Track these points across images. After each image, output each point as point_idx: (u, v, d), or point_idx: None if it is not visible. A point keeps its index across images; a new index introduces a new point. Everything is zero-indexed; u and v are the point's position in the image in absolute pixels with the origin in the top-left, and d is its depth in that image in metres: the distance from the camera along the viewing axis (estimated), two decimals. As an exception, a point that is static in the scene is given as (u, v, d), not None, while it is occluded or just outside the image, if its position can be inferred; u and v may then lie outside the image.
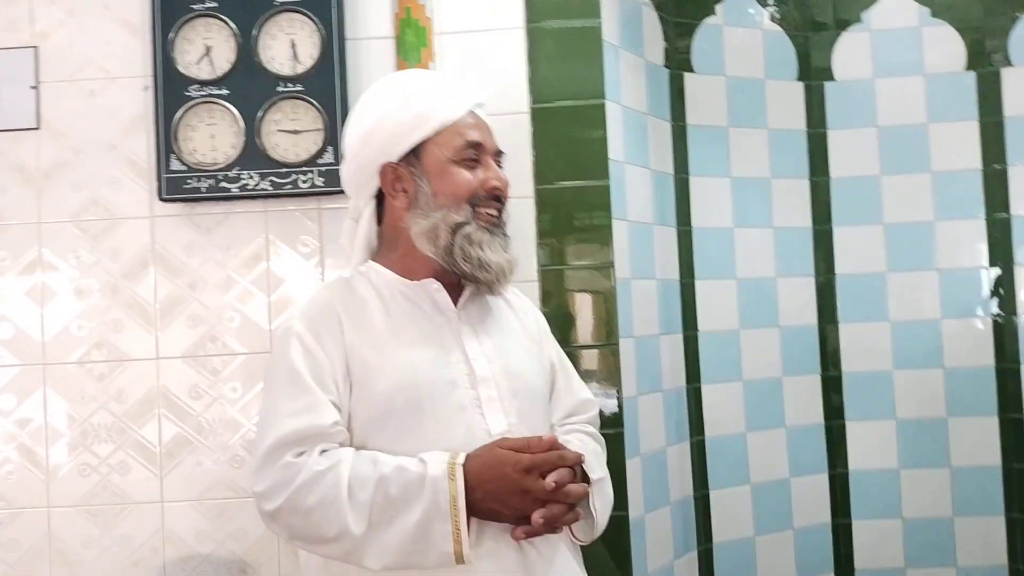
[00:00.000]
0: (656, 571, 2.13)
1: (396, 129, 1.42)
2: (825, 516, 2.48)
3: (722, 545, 2.37)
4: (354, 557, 1.28)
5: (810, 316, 2.51)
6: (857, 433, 2.50)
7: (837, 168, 2.52)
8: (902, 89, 2.50)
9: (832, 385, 2.51)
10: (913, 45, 2.50)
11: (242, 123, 1.90)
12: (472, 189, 1.41)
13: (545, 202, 1.95)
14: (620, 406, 1.95)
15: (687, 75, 2.41)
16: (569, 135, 1.96)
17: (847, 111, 2.51)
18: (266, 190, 1.90)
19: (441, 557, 1.27)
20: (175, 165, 1.90)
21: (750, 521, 2.41)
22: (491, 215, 1.42)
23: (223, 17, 1.92)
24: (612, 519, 1.47)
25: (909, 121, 2.50)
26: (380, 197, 1.49)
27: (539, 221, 1.95)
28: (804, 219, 2.52)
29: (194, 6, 1.92)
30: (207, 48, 1.93)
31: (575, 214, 1.97)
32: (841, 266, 2.51)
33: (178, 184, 1.90)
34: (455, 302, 1.44)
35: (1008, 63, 2.44)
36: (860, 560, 2.48)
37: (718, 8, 2.44)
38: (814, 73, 2.52)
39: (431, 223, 1.40)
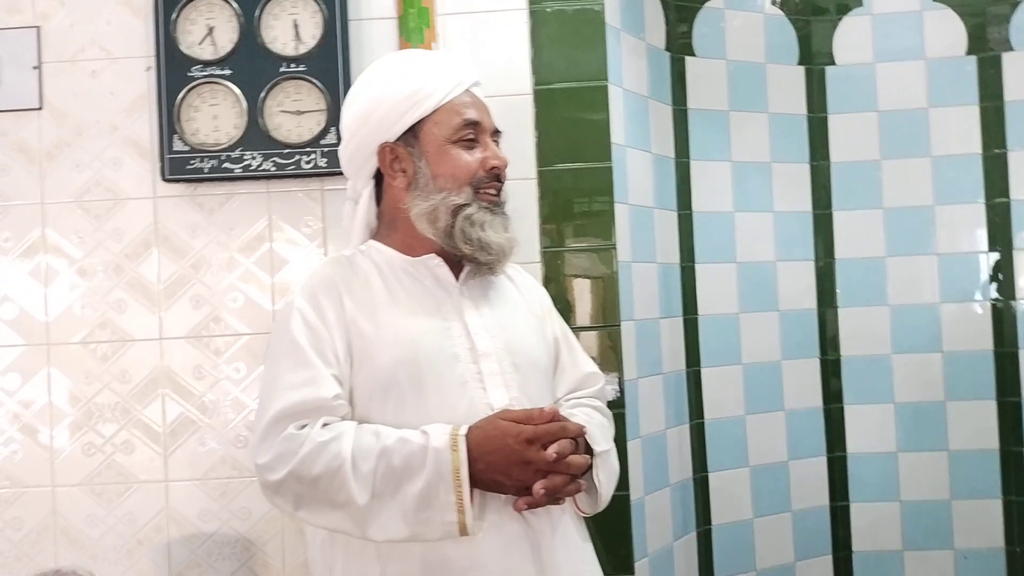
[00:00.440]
0: (655, 552, 2.14)
1: (393, 108, 1.42)
2: (823, 499, 2.50)
3: (721, 527, 2.39)
4: (357, 528, 1.29)
5: (810, 300, 2.52)
6: (856, 417, 2.51)
7: (837, 152, 2.52)
8: (903, 74, 2.50)
9: (831, 369, 2.52)
10: (914, 29, 2.50)
11: (245, 104, 1.90)
12: (473, 172, 1.41)
13: (547, 184, 1.96)
14: (621, 388, 1.96)
15: (688, 59, 2.41)
16: (571, 117, 1.96)
17: (848, 95, 2.51)
18: (269, 171, 1.90)
19: (445, 527, 1.28)
20: (178, 146, 1.90)
21: (749, 503, 2.42)
22: (492, 195, 1.43)
23: (226, -3, 1.92)
24: (613, 500, 1.47)
25: (909, 106, 2.50)
26: (378, 178, 1.49)
27: (541, 203, 1.96)
28: (804, 203, 2.52)
29: (197, -13, 1.92)
30: (209, 28, 1.92)
31: (577, 197, 1.97)
32: (841, 250, 2.52)
33: (181, 165, 1.91)
34: (456, 277, 1.45)
35: (1009, 48, 2.44)
36: (858, 543, 2.50)
37: (719, -8, 2.44)
38: (815, 57, 2.52)
39: (431, 205, 1.40)
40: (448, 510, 1.27)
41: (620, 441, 1.90)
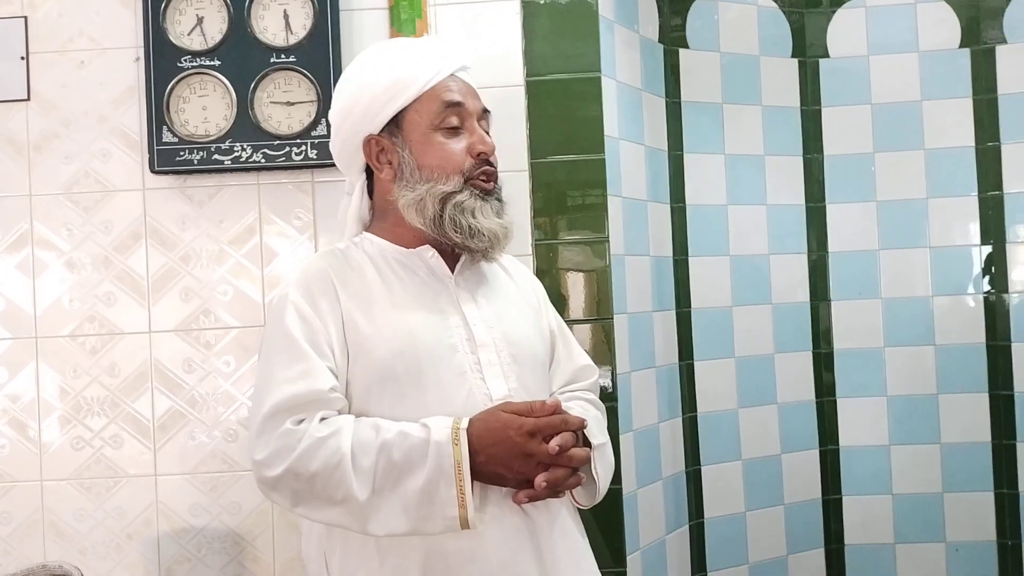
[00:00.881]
0: (648, 546, 2.14)
1: (375, 99, 1.41)
2: (816, 492, 2.50)
3: (713, 520, 2.39)
4: (358, 524, 1.28)
5: (803, 293, 2.52)
6: (848, 410, 2.51)
7: (831, 145, 2.52)
8: (896, 66, 2.49)
9: (824, 362, 2.52)
10: (908, 22, 2.49)
11: (234, 94, 1.88)
12: (460, 161, 1.40)
13: (539, 177, 1.95)
14: (613, 382, 1.95)
15: (682, 51, 2.40)
16: (564, 109, 1.95)
17: (841, 88, 2.51)
18: (259, 162, 1.89)
19: (446, 522, 1.27)
20: (167, 137, 1.89)
21: (741, 496, 2.42)
22: (483, 181, 1.41)
23: (215, -13, 1.90)
24: (607, 493, 1.47)
25: (903, 98, 2.49)
26: (370, 170, 1.48)
27: (533, 196, 1.95)
28: (797, 196, 2.52)
29: (186, -24, 1.90)
30: (199, 18, 1.91)
31: (569, 189, 1.96)
32: (834, 243, 2.52)
33: (170, 156, 1.89)
34: (452, 269, 1.44)
35: (1003, 40, 2.44)
36: (850, 536, 2.50)
37: (713, -16, 2.43)
38: (808, 50, 2.51)
39: (417, 195, 1.39)
40: (450, 504, 1.26)
41: (613, 434, 1.89)
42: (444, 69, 1.42)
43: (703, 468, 2.39)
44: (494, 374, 1.37)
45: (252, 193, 1.94)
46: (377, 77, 1.42)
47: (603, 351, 1.95)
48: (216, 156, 1.89)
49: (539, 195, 1.95)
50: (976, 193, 2.46)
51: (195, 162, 1.89)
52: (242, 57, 1.89)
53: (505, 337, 1.41)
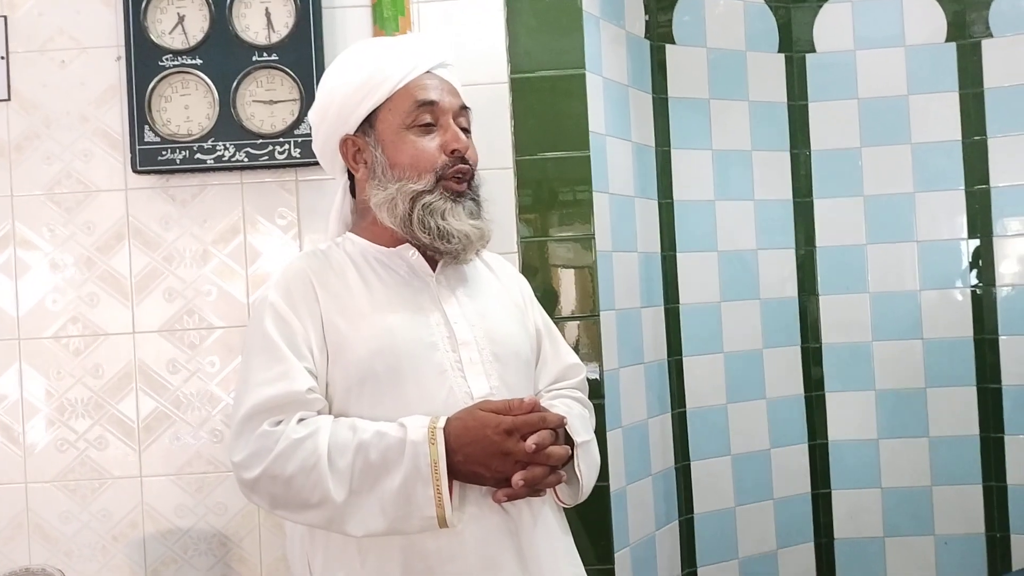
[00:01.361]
0: (638, 542, 2.14)
1: (348, 99, 1.40)
2: (805, 486, 2.50)
3: (703, 515, 2.39)
4: (336, 524, 1.28)
5: (791, 288, 2.52)
6: (837, 404, 2.52)
7: (818, 140, 2.52)
8: (883, 61, 2.49)
9: (812, 357, 2.52)
10: (894, 17, 2.49)
11: (216, 93, 1.87)
12: (433, 159, 1.38)
13: (525, 174, 1.94)
14: (601, 378, 1.95)
15: (668, 47, 2.40)
16: (549, 106, 1.95)
17: (828, 83, 2.51)
18: (242, 161, 1.87)
19: (424, 521, 1.27)
20: (149, 136, 1.87)
21: (731, 492, 2.42)
22: (455, 181, 1.39)
23: (196, -15, 1.89)
24: (593, 490, 1.46)
25: (889, 93, 2.49)
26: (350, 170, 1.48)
27: (519, 193, 1.94)
28: (785, 191, 2.52)
29: (166, -26, 1.89)
30: (180, 17, 1.89)
31: (556, 186, 1.96)
32: (822, 238, 2.52)
33: (152, 156, 1.88)
34: (434, 267, 1.43)
35: (989, 34, 2.44)
36: (840, 530, 2.51)
37: (699, -21, 2.42)
38: (795, 45, 2.51)
39: (388, 194, 1.38)
40: (427, 504, 1.26)
41: (600, 431, 1.89)
42: (419, 66, 1.41)
43: (692, 464, 2.39)
44: (475, 372, 1.37)
45: (235, 192, 1.93)
46: (351, 77, 1.41)
47: (591, 348, 1.95)
48: (199, 155, 1.88)
49: (525, 192, 1.94)
50: (963, 187, 2.46)
51: (178, 162, 1.88)
52: (224, 56, 1.87)
53: (487, 335, 1.40)
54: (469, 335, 1.39)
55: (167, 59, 1.88)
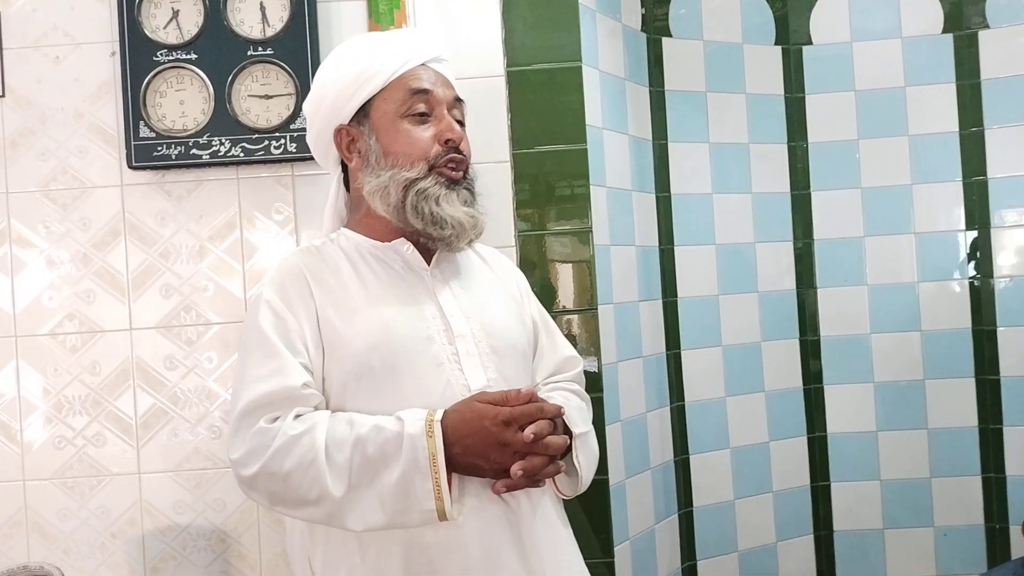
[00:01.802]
0: (637, 535, 2.14)
1: (343, 89, 1.41)
2: (804, 479, 2.51)
3: (702, 509, 2.39)
4: (335, 520, 1.27)
5: (789, 281, 2.52)
6: (835, 396, 2.52)
7: (815, 133, 2.51)
8: (880, 53, 2.49)
9: (811, 349, 2.52)
10: (890, 8, 2.49)
11: (211, 88, 1.86)
12: (426, 148, 1.38)
13: (522, 167, 1.93)
14: (600, 372, 1.95)
15: (665, 40, 2.39)
16: (545, 99, 1.94)
17: (825, 75, 2.50)
18: (238, 156, 1.87)
19: (423, 515, 1.26)
20: (144, 132, 1.87)
21: (730, 485, 2.42)
22: (450, 170, 1.39)
23: (190, -20, 1.88)
24: (592, 484, 1.46)
25: (886, 85, 2.49)
26: (346, 164, 1.48)
27: (516, 187, 1.93)
28: (782, 184, 2.51)
29: (160, -31, 1.88)
30: (174, 12, 1.88)
31: (553, 180, 1.95)
32: (819, 231, 2.52)
33: (148, 151, 1.87)
34: (428, 261, 1.43)
35: (985, 25, 2.43)
36: (839, 522, 2.51)
37: (695, -29, 2.42)
38: (792, 37, 2.51)
39: (381, 182, 1.38)
40: (426, 497, 1.26)
41: (599, 425, 1.89)
42: (414, 58, 1.41)
43: (691, 457, 2.39)
44: (472, 365, 1.36)
45: (231, 188, 1.92)
46: (346, 68, 1.42)
47: (589, 342, 1.95)
48: (194, 151, 1.87)
49: (522, 186, 1.94)
50: (960, 178, 2.46)
51: (173, 157, 1.87)
52: (219, 50, 1.87)
53: (484, 328, 1.40)
54: (465, 327, 1.39)
55: (162, 54, 1.87)
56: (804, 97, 2.51)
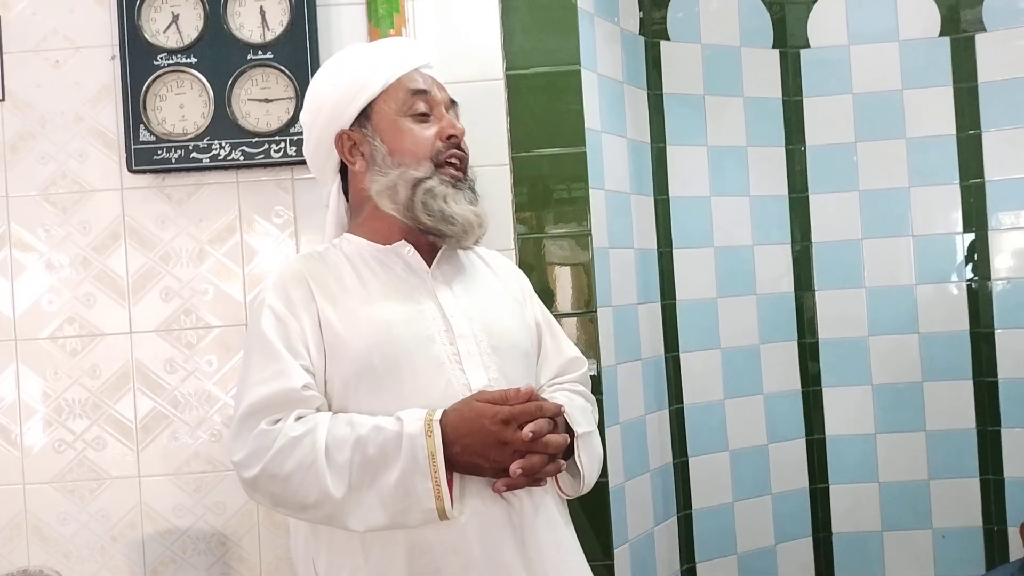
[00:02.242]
0: (636, 538, 2.14)
1: (342, 96, 1.43)
2: (803, 481, 2.51)
3: (701, 511, 2.39)
4: (337, 520, 1.28)
5: (787, 284, 2.52)
6: (834, 399, 2.52)
7: (813, 136, 2.52)
8: (877, 56, 2.50)
9: (809, 352, 2.53)
10: (888, 12, 2.50)
11: (211, 92, 1.87)
12: (430, 145, 1.40)
13: (521, 170, 1.94)
14: (599, 375, 1.95)
15: (663, 43, 2.40)
16: (544, 103, 1.95)
17: (822, 78, 2.51)
18: (238, 160, 1.87)
19: (424, 514, 1.27)
20: (144, 136, 1.87)
21: (729, 487, 2.43)
22: (454, 170, 1.41)
23: (190, -16, 1.88)
24: (594, 486, 1.46)
25: (884, 88, 2.50)
26: (344, 172, 1.50)
27: (515, 190, 1.94)
28: (780, 187, 2.52)
29: (160, -27, 1.88)
30: (174, 16, 1.89)
31: (552, 183, 1.96)
32: (817, 234, 2.53)
33: (148, 155, 1.87)
34: (429, 264, 1.44)
35: (982, 29, 2.44)
36: (837, 524, 2.51)
37: (693, -25, 2.43)
38: (789, 40, 2.51)
39: (389, 180, 1.40)
40: (426, 497, 1.26)
41: (599, 428, 1.89)
42: (408, 64, 1.45)
43: (690, 459, 2.39)
44: (473, 365, 1.37)
45: (231, 191, 1.93)
46: (343, 75, 1.45)
47: (588, 344, 1.95)
48: (194, 154, 1.87)
49: (521, 189, 1.94)
50: (958, 181, 2.47)
51: (173, 161, 1.87)
52: (219, 54, 1.87)
53: (485, 328, 1.41)
54: (466, 328, 1.39)
55: (162, 58, 1.88)
56: (802, 100, 2.52)
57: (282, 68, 1.87)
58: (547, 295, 1.93)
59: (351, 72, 1.44)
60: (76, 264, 1.92)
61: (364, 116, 1.43)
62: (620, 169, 2.20)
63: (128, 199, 1.93)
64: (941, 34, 2.47)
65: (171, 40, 1.89)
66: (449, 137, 1.41)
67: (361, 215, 1.47)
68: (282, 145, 1.87)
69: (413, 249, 1.43)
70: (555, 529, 1.39)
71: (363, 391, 1.33)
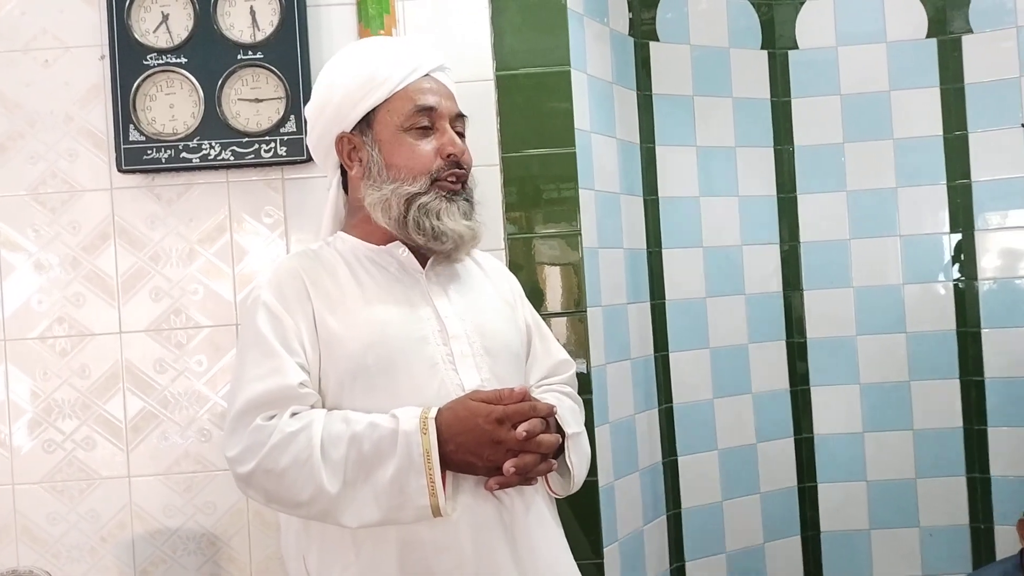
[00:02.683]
0: (626, 537, 2.15)
1: (348, 97, 1.42)
2: (791, 480, 2.52)
3: (690, 510, 2.40)
4: (331, 516, 1.28)
5: (775, 283, 2.54)
6: (822, 398, 2.54)
7: (801, 136, 2.54)
8: (864, 57, 2.51)
9: (797, 351, 2.54)
10: (875, 13, 2.52)
11: (201, 92, 1.87)
12: (429, 163, 1.40)
13: (511, 171, 1.95)
14: (589, 374, 1.96)
15: (652, 44, 2.41)
16: (534, 103, 1.95)
17: (810, 79, 2.53)
18: (228, 160, 1.87)
19: (418, 511, 1.28)
20: (134, 136, 1.87)
21: (718, 486, 2.44)
22: (451, 182, 1.41)
23: (180, -16, 1.88)
24: (582, 485, 1.47)
25: (871, 89, 2.52)
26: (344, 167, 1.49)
27: (505, 190, 1.94)
28: (769, 187, 2.53)
29: (150, -27, 1.88)
30: (164, 16, 1.89)
31: (541, 183, 1.96)
32: (805, 233, 2.54)
33: (137, 155, 1.87)
34: (423, 264, 1.44)
35: (969, 30, 2.46)
36: (826, 522, 2.53)
37: (682, -24, 2.44)
38: (778, 42, 2.53)
39: (383, 195, 1.39)
40: (420, 494, 1.27)
41: (588, 427, 1.90)
42: (419, 68, 1.42)
43: (679, 459, 2.40)
44: (467, 365, 1.38)
45: (221, 191, 1.92)
46: (351, 74, 1.42)
47: (578, 344, 1.96)
48: (184, 154, 1.87)
49: (511, 189, 1.95)
50: (945, 182, 2.49)
51: (163, 160, 1.87)
52: (209, 54, 1.87)
53: (478, 329, 1.42)
54: (460, 329, 1.40)
55: (151, 58, 1.88)
56: (790, 101, 2.53)
57: (272, 68, 1.87)
58: (537, 295, 1.94)
59: (358, 73, 1.42)
60: (66, 264, 1.92)
61: (366, 122, 1.42)
62: (609, 169, 2.21)
63: (118, 199, 1.92)
64: (928, 36, 2.49)
65: (161, 40, 1.89)
66: (449, 155, 1.40)
67: (357, 216, 1.47)
68: (272, 145, 1.87)
69: (408, 250, 1.43)
70: (545, 528, 1.40)
71: (358, 390, 1.34)
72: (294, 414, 1.30)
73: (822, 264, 2.53)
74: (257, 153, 1.87)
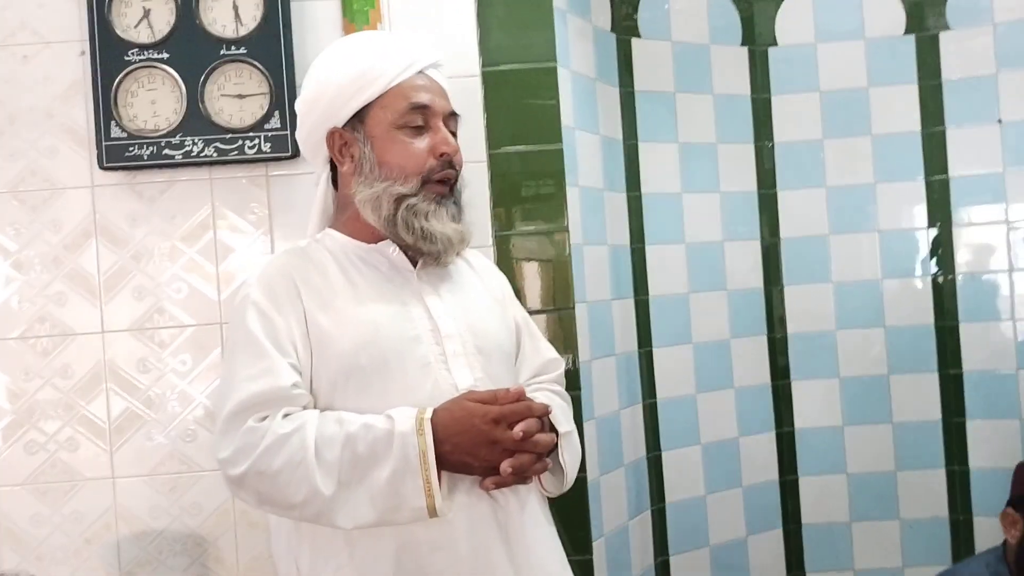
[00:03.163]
0: (611, 531, 2.16)
1: (340, 92, 1.40)
2: (773, 473, 2.54)
3: (674, 504, 2.42)
4: (325, 518, 1.28)
5: (756, 279, 2.55)
6: (802, 392, 2.56)
7: (781, 133, 2.55)
8: (843, 54, 2.53)
9: (778, 346, 2.56)
10: (853, 10, 2.53)
11: (184, 88, 1.84)
12: (422, 162, 1.39)
13: (498, 167, 1.94)
14: (577, 371, 1.96)
15: (634, 40, 2.41)
16: (520, 99, 1.95)
17: (790, 76, 2.54)
18: (211, 157, 1.85)
19: (414, 512, 1.27)
20: (115, 132, 1.84)
21: (701, 480, 2.45)
22: (441, 185, 1.40)
23: (161, -22, 1.86)
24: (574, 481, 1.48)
25: (850, 85, 2.54)
26: (334, 163, 1.47)
27: (492, 187, 1.94)
28: (749, 183, 2.55)
29: (130, -33, 1.86)
30: (146, 11, 1.86)
31: (528, 180, 1.96)
32: (785, 229, 2.56)
33: (119, 152, 1.85)
34: (414, 264, 1.44)
35: (946, 27, 2.49)
36: (807, 515, 2.55)
37: (663, -27, 2.44)
38: (757, 38, 2.54)
39: (374, 193, 1.38)
40: (416, 495, 1.27)
41: (577, 423, 1.90)
42: (414, 65, 1.41)
43: (663, 453, 2.41)
44: (459, 365, 1.37)
45: (205, 188, 1.90)
46: (345, 69, 1.41)
47: (565, 340, 1.96)
48: (167, 151, 1.85)
49: (497, 186, 1.94)
50: (922, 177, 2.51)
51: (145, 157, 1.85)
52: (191, 50, 1.85)
53: (470, 328, 1.41)
54: (452, 328, 1.40)
55: (133, 53, 1.85)
56: (770, 97, 2.55)
57: (256, 63, 1.85)
58: (524, 292, 1.94)
59: (351, 68, 1.40)
60: (46, 263, 1.89)
61: (358, 118, 1.40)
62: (593, 166, 2.22)
63: (99, 196, 1.90)
64: (906, 32, 2.51)
65: (142, 35, 1.86)
66: (442, 155, 1.40)
67: (346, 212, 1.46)
68: (256, 141, 1.86)
69: (398, 249, 1.42)
70: (539, 527, 1.41)
71: (350, 390, 1.33)
72: (286, 415, 1.29)
73: (802, 259, 2.55)
74: (241, 149, 1.85)
